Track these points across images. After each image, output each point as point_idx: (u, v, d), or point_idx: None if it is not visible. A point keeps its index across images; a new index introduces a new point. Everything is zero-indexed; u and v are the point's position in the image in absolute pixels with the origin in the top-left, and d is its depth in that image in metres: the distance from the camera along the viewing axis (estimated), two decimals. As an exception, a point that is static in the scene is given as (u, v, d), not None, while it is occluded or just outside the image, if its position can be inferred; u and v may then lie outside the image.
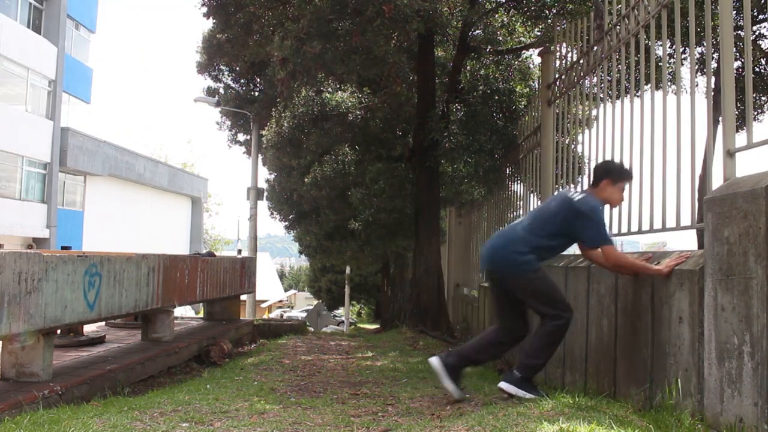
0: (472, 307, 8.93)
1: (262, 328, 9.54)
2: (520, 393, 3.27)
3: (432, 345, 7.53)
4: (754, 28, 7.95)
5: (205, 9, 9.89)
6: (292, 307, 47.08)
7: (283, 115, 11.92)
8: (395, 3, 6.90)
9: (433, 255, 9.59)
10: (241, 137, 19.99)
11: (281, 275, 62.35)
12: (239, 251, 29.78)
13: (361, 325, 29.59)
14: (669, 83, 4.07)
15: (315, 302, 30.62)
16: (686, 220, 3.10)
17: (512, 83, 9.53)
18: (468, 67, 9.92)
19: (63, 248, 9.38)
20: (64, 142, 21.57)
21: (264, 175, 19.61)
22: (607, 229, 3.40)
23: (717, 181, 2.73)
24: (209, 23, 11.20)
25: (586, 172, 4.92)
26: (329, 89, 11.23)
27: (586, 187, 4.37)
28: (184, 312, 15.56)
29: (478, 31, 9.65)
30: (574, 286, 4.00)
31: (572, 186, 4.94)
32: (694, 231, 4.71)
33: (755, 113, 8.56)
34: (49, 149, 20.97)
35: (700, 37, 4.97)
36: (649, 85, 3.51)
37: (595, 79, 4.80)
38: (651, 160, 3.41)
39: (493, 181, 8.17)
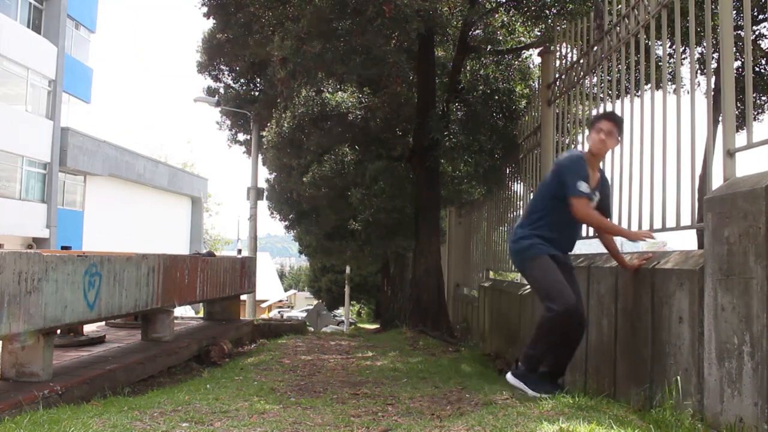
0: (472, 307, 8.93)
1: (262, 328, 9.54)
2: (521, 386, 3.30)
3: (432, 345, 7.52)
4: (754, 28, 7.94)
5: (205, 9, 9.90)
6: (292, 307, 47.08)
7: (283, 115, 11.92)
8: (395, 3, 6.90)
9: (433, 255, 9.59)
10: (241, 137, 19.98)
11: (281, 275, 62.36)
12: (239, 251, 29.78)
13: (361, 325, 29.58)
14: (669, 83, 4.07)
15: (315, 302, 30.63)
16: (686, 220, 3.10)
17: (512, 83, 9.53)
18: (468, 67, 9.92)
19: (63, 248, 9.39)
20: (64, 141, 21.58)
21: (264, 175, 19.62)
22: (581, 183, 3.29)
23: (717, 181, 2.73)
24: (209, 23, 11.22)
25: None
26: (329, 89, 11.23)
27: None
28: (184, 312, 15.56)
29: (478, 31, 9.65)
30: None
31: None
32: (694, 231, 4.71)
33: (755, 113, 8.56)
34: (49, 149, 20.98)
35: (700, 37, 4.97)
36: (649, 85, 3.51)
37: (595, 79, 4.81)
38: (651, 160, 3.41)
39: (493, 181, 8.18)
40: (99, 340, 6.19)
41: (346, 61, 8.24)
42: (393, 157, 12.60)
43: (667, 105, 3.29)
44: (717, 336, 2.46)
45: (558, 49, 5.44)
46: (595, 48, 4.38)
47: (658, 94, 3.40)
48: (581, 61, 4.68)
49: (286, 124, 11.71)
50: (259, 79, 17.16)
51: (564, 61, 5.25)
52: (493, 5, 9.48)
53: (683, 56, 7.22)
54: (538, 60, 7.72)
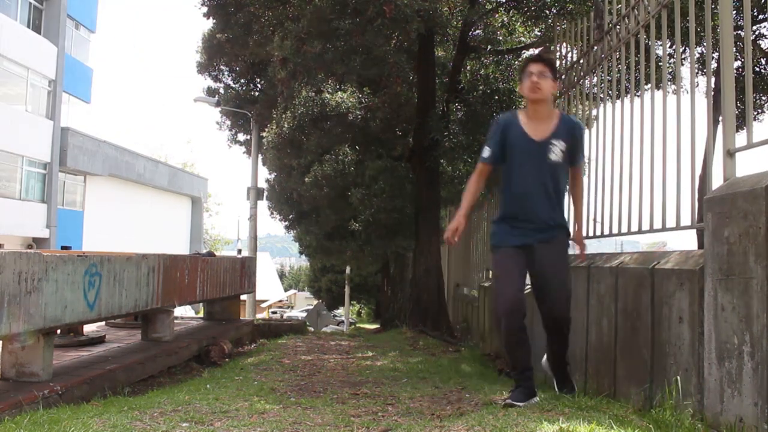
0: (472, 307, 8.93)
1: (262, 328, 9.55)
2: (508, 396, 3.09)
3: (432, 345, 7.53)
4: (754, 28, 7.95)
5: (205, 9, 9.91)
6: (292, 307, 47.09)
7: (283, 115, 11.93)
8: (395, 3, 6.90)
9: (433, 255, 9.59)
10: (241, 137, 19.98)
11: (281, 275, 62.36)
12: (239, 251, 29.78)
13: (361, 325, 29.57)
14: (669, 83, 4.07)
15: (315, 302, 30.63)
16: (686, 220, 3.10)
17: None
18: (468, 67, 9.93)
19: (63, 248, 9.39)
20: (64, 142, 21.58)
21: (264, 175, 19.63)
22: (485, 148, 3.16)
23: (717, 181, 2.73)
24: (209, 23, 11.22)
25: (587, 172, 4.92)
26: (329, 89, 11.24)
27: (586, 187, 4.38)
28: (184, 312, 15.55)
29: (478, 31, 9.66)
30: (574, 286, 4.00)
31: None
32: (694, 231, 4.71)
33: (755, 113, 8.56)
34: (49, 149, 20.98)
35: (700, 37, 4.98)
36: (649, 85, 3.51)
37: (595, 79, 4.81)
38: (651, 160, 3.41)
39: (492, 181, 8.17)
40: (99, 340, 6.19)
41: (346, 61, 8.25)
42: (393, 157, 12.61)
43: (667, 105, 3.28)
44: (717, 336, 2.46)
45: (558, 49, 5.44)
46: (595, 48, 4.38)
47: (658, 94, 3.40)
48: (581, 61, 4.69)
49: (286, 124, 11.71)
50: (259, 79, 17.17)
51: (564, 62, 5.25)
52: (493, 5, 9.49)
53: (683, 56, 7.22)
54: (538, 60, 7.71)
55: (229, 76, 18.09)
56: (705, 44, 4.36)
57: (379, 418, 3.20)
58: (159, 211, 29.17)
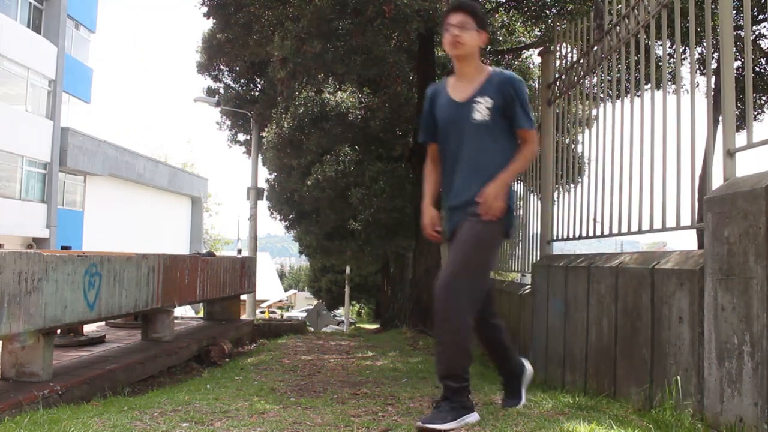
0: (472, 307, 8.92)
1: (262, 328, 9.55)
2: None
3: (432, 345, 7.53)
4: (754, 28, 7.95)
5: (205, 9, 9.90)
6: (292, 307, 47.10)
7: (283, 115, 11.94)
8: (395, 3, 6.91)
9: (433, 255, 9.60)
10: (241, 137, 20.00)
11: (281, 275, 62.38)
12: (239, 251, 29.80)
13: (361, 325, 29.58)
14: (669, 83, 4.07)
15: (315, 302, 30.63)
16: (686, 220, 3.10)
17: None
18: (468, 67, 9.92)
19: (63, 248, 9.39)
20: (64, 142, 21.59)
21: (264, 175, 19.65)
22: (421, 122, 2.89)
23: (717, 181, 2.73)
24: (209, 23, 11.21)
25: (587, 172, 4.92)
26: (329, 89, 11.24)
27: (586, 187, 4.37)
28: (184, 312, 15.56)
29: (478, 31, 9.66)
30: (574, 286, 4.00)
31: (572, 185, 4.95)
32: (694, 231, 4.72)
33: (755, 113, 8.56)
34: (49, 149, 20.98)
35: (700, 37, 4.98)
36: (649, 85, 3.51)
37: (595, 79, 4.80)
38: (651, 160, 3.41)
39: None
40: (99, 340, 6.19)
41: (346, 61, 8.25)
42: (393, 157, 12.62)
43: (667, 105, 3.29)
44: (717, 336, 2.46)
45: (558, 49, 5.44)
46: (595, 48, 4.38)
47: (658, 94, 3.40)
48: (581, 61, 4.68)
49: (286, 125, 11.72)
50: (259, 79, 17.19)
51: (564, 61, 5.25)
52: (493, 5, 9.49)
53: (683, 56, 7.22)
54: (538, 60, 7.73)
55: (229, 76, 18.10)
56: (705, 44, 4.36)
57: (379, 418, 3.19)
58: (159, 211, 29.18)
